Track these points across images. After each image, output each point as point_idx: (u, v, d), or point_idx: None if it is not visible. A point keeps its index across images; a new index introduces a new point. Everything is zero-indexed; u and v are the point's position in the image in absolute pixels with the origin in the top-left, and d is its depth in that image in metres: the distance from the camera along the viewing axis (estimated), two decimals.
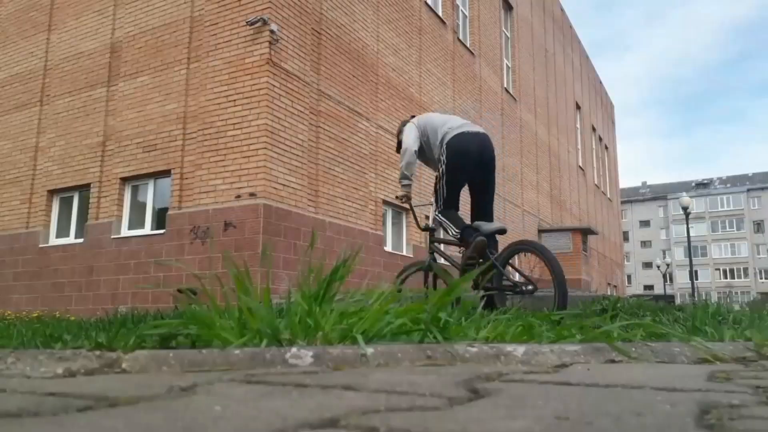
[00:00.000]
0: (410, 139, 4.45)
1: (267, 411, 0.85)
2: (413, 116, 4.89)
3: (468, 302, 1.99)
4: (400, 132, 4.77)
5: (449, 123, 4.46)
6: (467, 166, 4.29)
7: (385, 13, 11.88)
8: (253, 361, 1.33)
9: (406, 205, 4.76)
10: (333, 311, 1.72)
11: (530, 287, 3.90)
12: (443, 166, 4.29)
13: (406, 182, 4.52)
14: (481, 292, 3.68)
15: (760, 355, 1.81)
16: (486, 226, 4.17)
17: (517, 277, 4.26)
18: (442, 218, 4.34)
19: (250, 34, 8.58)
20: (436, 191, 4.45)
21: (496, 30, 18.49)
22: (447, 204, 4.32)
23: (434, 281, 4.41)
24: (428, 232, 4.69)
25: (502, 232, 4.21)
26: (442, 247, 4.71)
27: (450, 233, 4.29)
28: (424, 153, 4.55)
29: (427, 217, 4.84)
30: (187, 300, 1.81)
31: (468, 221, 4.37)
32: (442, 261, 4.78)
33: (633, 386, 1.14)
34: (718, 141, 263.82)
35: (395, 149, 4.99)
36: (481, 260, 3.99)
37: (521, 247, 4.15)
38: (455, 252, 4.54)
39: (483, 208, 4.39)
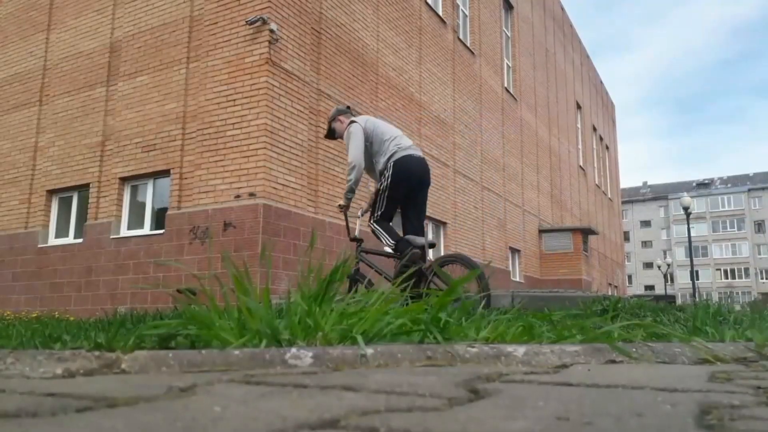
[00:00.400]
0: (358, 153, 4.61)
1: (266, 411, 0.85)
2: (348, 107, 5.08)
3: (468, 302, 1.99)
4: (333, 118, 4.94)
5: (398, 140, 4.65)
6: (409, 185, 4.57)
7: (385, 12, 11.88)
8: (252, 362, 1.33)
9: (342, 215, 5.03)
10: (333, 311, 1.72)
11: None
12: (387, 182, 4.54)
13: (351, 196, 4.76)
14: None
15: (760, 356, 1.81)
16: (419, 240, 4.43)
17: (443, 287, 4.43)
18: (378, 228, 4.57)
19: (249, 34, 8.58)
20: (374, 202, 4.70)
21: (497, 29, 18.48)
22: (384, 216, 4.57)
23: (355, 289, 4.64)
24: (357, 243, 4.92)
25: (433, 246, 4.51)
26: (373, 257, 4.95)
27: (384, 243, 4.54)
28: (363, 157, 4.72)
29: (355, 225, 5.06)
30: (187, 300, 1.81)
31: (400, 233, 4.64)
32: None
33: (633, 387, 1.14)
34: (718, 141, 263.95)
35: (324, 134, 5.19)
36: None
37: (449, 259, 4.47)
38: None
39: (415, 223, 4.66)
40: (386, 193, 4.54)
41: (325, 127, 4.95)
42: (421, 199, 4.71)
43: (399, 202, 4.60)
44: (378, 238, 4.57)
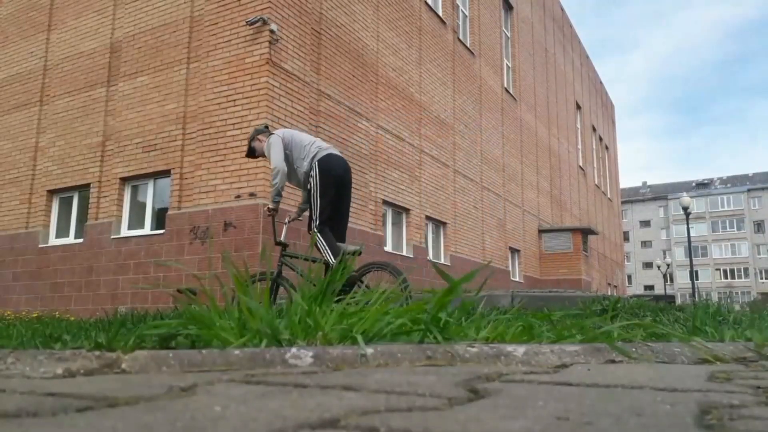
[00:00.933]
0: (280, 158, 4.85)
1: (267, 411, 0.85)
2: (266, 126, 5.33)
3: (468, 302, 1.99)
4: (252, 138, 5.20)
5: (318, 143, 4.96)
6: (335, 183, 4.81)
7: (385, 12, 11.88)
8: (252, 362, 1.33)
9: (270, 219, 5.22)
10: (333, 311, 1.72)
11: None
12: (316, 180, 4.78)
13: (278, 199, 4.94)
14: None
15: (760, 356, 1.81)
16: (350, 248, 4.65)
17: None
18: (321, 240, 4.70)
19: (249, 34, 8.58)
20: (310, 209, 4.86)
21: (496, 30, 18.49)
22: (323, 220, 4.73)
23: (276, 292, 4.89)
24: (281, 247, 5.10)
25: (359, 253, 4.65)
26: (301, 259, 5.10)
27: (324, 256, 4.67)
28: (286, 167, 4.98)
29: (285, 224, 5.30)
30: (187, 300, 1.81)
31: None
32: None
33: (633, 386, 1.14)
34: (718, 141, 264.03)
35: (245, 154, 5.45)
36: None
37: (373, 266, 4.75)
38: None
39: (338, 229, 4.85)
40: (318, 192, 4.76)
41: (249, 146, 5.25)
42: (345, 205, 4.96)
43: (333, 200, 4.78)
44: (318, 250, 4.72)
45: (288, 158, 4.90)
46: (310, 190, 4.84)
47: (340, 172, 4.85)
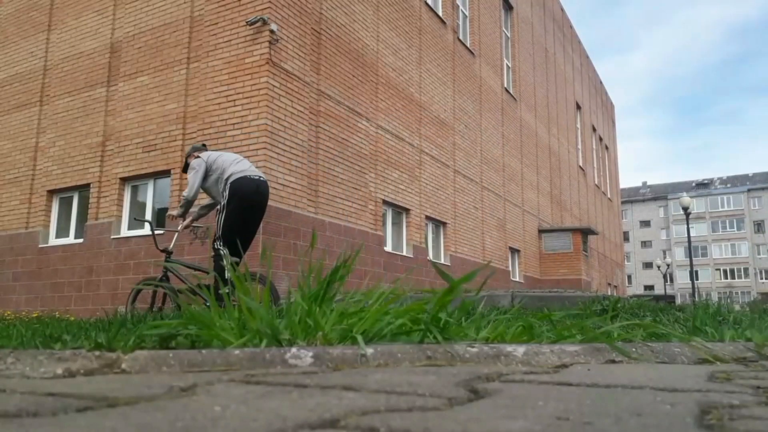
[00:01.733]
0: (195, 186, 5.24)
1: (267, 411, 0.85)
2: (204, 144, 5.79)
3: (468, 302, 1.99)
4: (189, 155, 5.59)
5: (239, 165, 5.25)
6: (243, 204, 5.09)
7: (385, 13, 11.88)
8: (252, 362, 1.33)
9: (175, 224, 5.63)
10: (333, 311, 1.72)
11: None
12: (225, 201, 5.08)
13: (183, 212, 5.40)
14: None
15: (760, 356, 1.81)
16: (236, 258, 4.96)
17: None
18: (222, 256, 4.94)
19: (249, 34, 8.58)
20: (217, 222, 5.15)
21: (496, 30, 18.49)
22: (224, 238, 5.00)
23: (163, 299, 5.28)
24: (166, 254, 5.40)
25: (237, 263, 4.94)
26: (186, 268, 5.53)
27: (217, 273, 4.85)
28: (208, 184, 5.34)
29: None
30: (187, 300, 1.81)
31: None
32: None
33: (633, 386, 1.14)
34: (718, 141, 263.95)
35: (182, 170, 5.81)
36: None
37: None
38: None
39: (243, 242, 4.99)
40: (225, 213, 5.06)
41: (185, 162, 5.60)
42: (254, 224, 5.24)
43: (236, 222, 5.04)
44: (215, 262, 4.99)
45: (208, 178, 5.28)
46: (219, 209, 5.16)
47: (249, 194, 5.11)
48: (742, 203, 77.69)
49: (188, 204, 5.33)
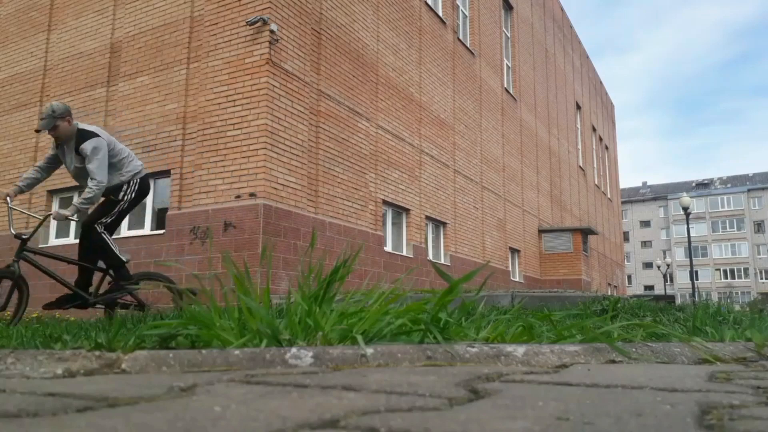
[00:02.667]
0: (105, 170, 4.58)
1: (267, 411, 0.85)
2: (68, 109, 4.72)
3: (468, 303, 1.99)
4: (63, 115, 4.57)
5: (136, 159, 4.96)
6: (136, 203, 4.98)
7: (385, 13, 11.88)
8: (252, 362, 1.33)
9: (6, 206, 4.96)
10: (333, 311, 1.72)
11: (137, 306, 5.04)
12: (130, 196, 4.81)
13: (86, 209, 4.73)
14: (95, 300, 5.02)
15: (760, 356, 1.81)
16: (126, 256, 5.06)
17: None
18: (107, 242, 4.77)
19: (250, 34, 8.58)
20: (103, 209, 4.77)
21: (496, 30, 18.49)
22: (110, 227, 4.87)
23: (20, 292, 4.74)
24: (21, 241, 4.74)
25: (128, 261, 5.06)
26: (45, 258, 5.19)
27: (109, 259, 4.90)
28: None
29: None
30: (187, 300, 1.81)
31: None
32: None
33: (633, 386, 1.14)
34: (718, 141, 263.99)
35: (38, 127, 4.71)
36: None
37: (148, 276, 5.35)
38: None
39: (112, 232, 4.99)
40: (124, 206, 4.81)
41: (52, 118, 4.52)
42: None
43: (122, 217, 4.94)
44: (103, 249, 4.80)
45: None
46: (113, 198, 4.71)
47: (145, 196, 5.04)
48: (742, 203, 77.68)
49: (101, 192, 4.57)
